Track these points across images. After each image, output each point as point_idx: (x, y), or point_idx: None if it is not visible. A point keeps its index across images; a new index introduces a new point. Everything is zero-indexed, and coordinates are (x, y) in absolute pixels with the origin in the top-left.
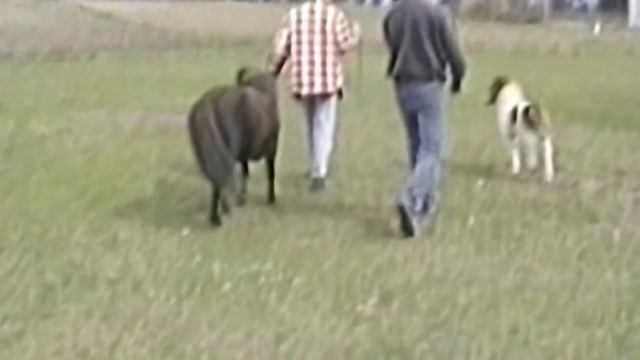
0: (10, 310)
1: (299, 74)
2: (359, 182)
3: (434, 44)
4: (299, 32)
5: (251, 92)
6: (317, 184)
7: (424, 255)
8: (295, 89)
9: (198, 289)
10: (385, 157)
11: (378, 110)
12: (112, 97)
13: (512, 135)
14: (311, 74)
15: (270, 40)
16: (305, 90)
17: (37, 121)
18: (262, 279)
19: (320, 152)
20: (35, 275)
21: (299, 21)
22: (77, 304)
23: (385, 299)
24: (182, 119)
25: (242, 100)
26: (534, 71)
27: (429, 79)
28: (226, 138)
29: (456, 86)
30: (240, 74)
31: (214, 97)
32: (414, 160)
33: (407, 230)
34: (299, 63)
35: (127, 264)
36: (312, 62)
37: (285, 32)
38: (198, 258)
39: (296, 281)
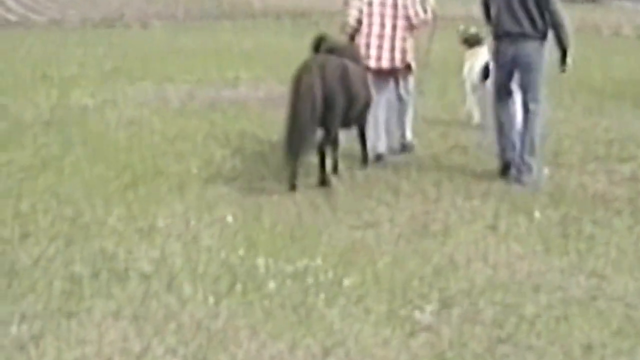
0: (31, 307)
1: (367, 47)
2: (416, 167)
3: (537, 5)
4: (370, 4)
5: (349, 61)
6: (406, 148)
7: (487, 254)
8: (365, 62)
9: (239, 288)
10: (444, 141)
11: (437, 90)
12: (161, 68)
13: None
14: (380, 47)
15: (325, 13)
16: (372, 64)
17: (81, 92)
18: (310, 278)
19: (404, 118)
20: (61, 266)
21: None
22: (104, 302)
23: (445, 305)
24: (232, 94)
25: (345, 68)
26: (597, 53)
27: (535, 37)
28: (329, 105)
29: (563, 59)
30: (318, 42)
31: (320, 64)
32: (502, 125)
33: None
34: (368, 35)
35: (163, 255)
36: (381, 36)
37: (357, 4)
38: (241, 251)
39: (347, 282)
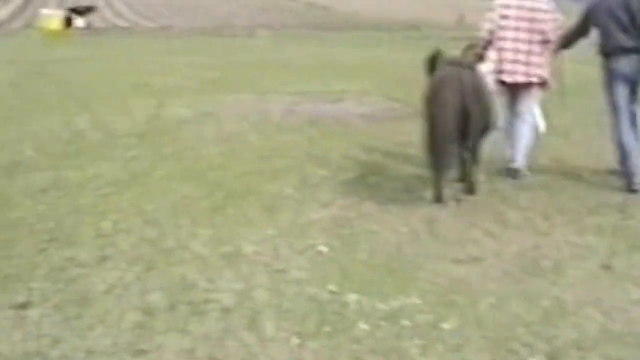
0: (98, 342)
1: (501, 61)
2: (525, 195)
3: None
4: (505, 17)
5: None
6: (511, 174)
7: (601, 298)
8: (497, 76)
9: (326, 328)
10: (557, 167)
11: (583, 109)
12: (264, 80)
13: None
14: (514, 62)
15: (437, 26)
16: (506, 78)
17: (179, 102)
18: (405, 320)
19: (519, 143)
20: (137, 295)
21: (506, 6)
22: (179, 338)
23: (552, 359)
24: (335, 109)
25: (479, 82)
26: None
27: None
28: (466, 119)
29: None
30: (433, 59)
31: (457, 77)
32: (626, 148)
33: None
34: (502, 50)
35: (247, 287)
36: (516, 50)
37: (491, 17)
38: (332, 285)
39: (446, 325)
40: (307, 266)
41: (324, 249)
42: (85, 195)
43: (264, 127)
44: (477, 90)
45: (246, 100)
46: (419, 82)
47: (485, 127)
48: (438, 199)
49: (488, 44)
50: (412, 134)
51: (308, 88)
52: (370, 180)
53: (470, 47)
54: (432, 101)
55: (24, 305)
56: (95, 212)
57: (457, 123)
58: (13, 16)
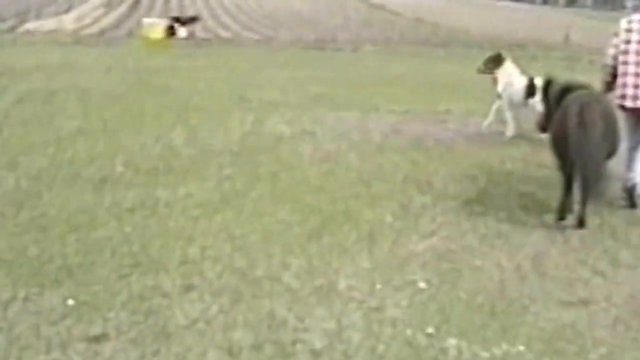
0: None
1: (624, 86)
2: (638, 231)
3: None
4: (627, 42)
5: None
6: (628, 193)
7: None
8: (619, 101)
9: None
10: None
11: None
12: (367, 97)
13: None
14: (636, 86)
15: (543, 45)
16: (628, 103)
17: (278, 119)
18: None
19: (638, 165)
20: (221, 331)
21: (628, 30)
22: None
23: None
24: (440, 130)
25: (610, 104)
26: None
27: None
28: (608, 140)
29: None
30: (547, 85)
31: (595, 98)
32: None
33: None
34: (624, 74)
35: (339, 326)
36: (638, 74)
37: (615, 42)
38: (431, 328)
39: None
40: (405, 304)
41: (423, 285)
42: (174, 216)
43: (364, 147)
44: (611, 114)
45: (348, 118)
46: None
47: (609, 155)
48: (562, 216)
49: (613, 69)
50: (518, 160)
51: (412, 106)
52: (475, 210)
53: (547, 82)
54: (575, 124)
55: (98, 338)
56: (183, 236)
57: (600, 147)
58: (117, 24)
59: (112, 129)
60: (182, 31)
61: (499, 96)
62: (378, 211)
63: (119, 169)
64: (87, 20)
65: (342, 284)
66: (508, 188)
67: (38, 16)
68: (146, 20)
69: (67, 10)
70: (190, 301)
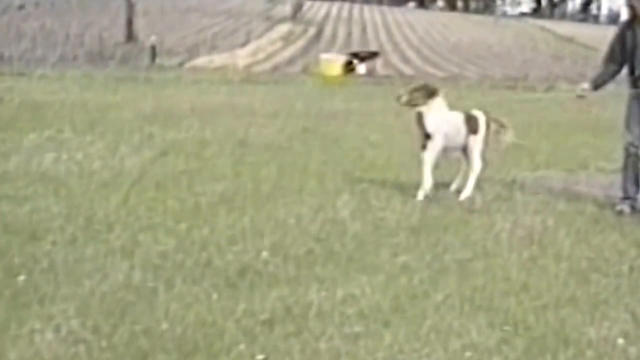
0: None
1: None
2: None
3: None
4: None
5: None
6: None
7: None
8: None
9: None
10: None
11: None
12: (571, 149)
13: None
14: None
15: None
16: None
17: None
18: None
19: None
20: None
21: None
22: None
23: None
24: None
25: None
26: None
27: None
28: None
29: None
30: None
31: None
32: None
33: None
34: None
35: None
36: None
37: None
38: None
39: None
40: None
41: None
42: (325, 335)
43: (576, 221)
44: None
45: (551, 179)
46: None
47: None
48: None
49: None
50: None
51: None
52: None
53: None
54: None
55: None
56: None
57: None
58: (292, 59)
59: (265, 194)
60: (361, 67)
61: None
62: (607, 328)
63: (264, 254)
64: (261, 55)
65: None
66: None
67: (212, 49)
68: (323, 56)
69: (244, 44)
70: None
